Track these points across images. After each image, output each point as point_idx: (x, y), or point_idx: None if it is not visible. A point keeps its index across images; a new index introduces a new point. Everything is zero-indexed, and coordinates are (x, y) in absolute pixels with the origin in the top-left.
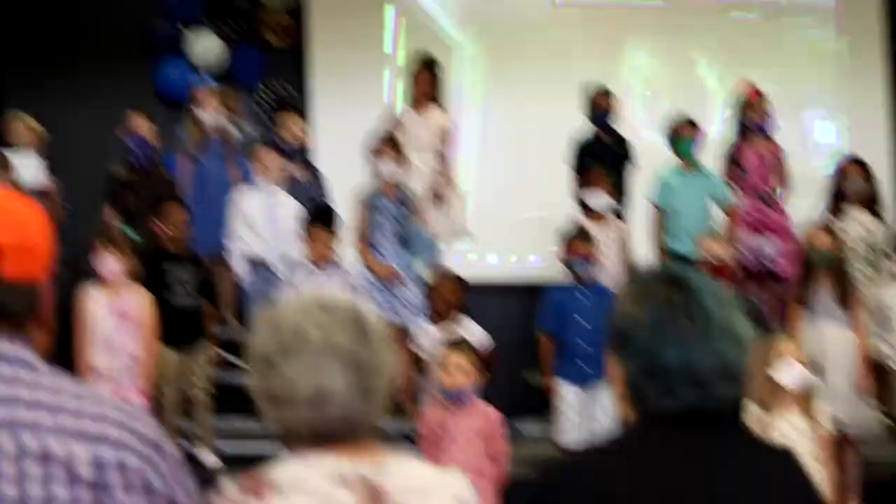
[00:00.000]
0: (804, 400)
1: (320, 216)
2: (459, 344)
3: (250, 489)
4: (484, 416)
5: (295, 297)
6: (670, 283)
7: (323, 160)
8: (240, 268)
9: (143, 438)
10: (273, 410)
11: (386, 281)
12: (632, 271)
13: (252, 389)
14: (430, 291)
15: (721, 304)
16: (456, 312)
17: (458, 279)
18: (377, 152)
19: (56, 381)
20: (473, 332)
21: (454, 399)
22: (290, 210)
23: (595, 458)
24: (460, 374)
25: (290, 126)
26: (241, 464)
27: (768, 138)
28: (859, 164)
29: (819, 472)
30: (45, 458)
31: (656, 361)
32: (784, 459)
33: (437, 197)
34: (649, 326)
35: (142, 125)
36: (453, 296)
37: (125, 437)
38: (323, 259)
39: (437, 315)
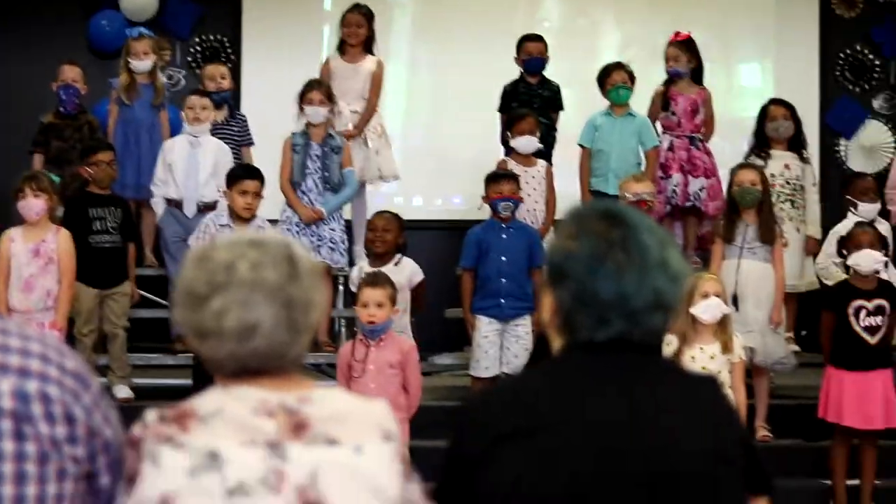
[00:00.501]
0: (720, 331)
1: (243, 171)
2: (376, 279)
3: (173, 419)
4: (398, 347)
5: (227, 235)
6: (608, 218)
7: (254, 110)
8: (160, 211)
9: (65, 370)
10: (200, 343)
11: (310, 222)
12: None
13: (180, 323)
14: (369, 230)
15: (658, 240)
16: (394, 251)
17: (396, 217)
18: (305, 96)
19: None
20: (408, 268)
21: (371, 334)
22: (210, 157)
23: (520, 384)
24: (377, 309)
25: (213, 74)
26: (155, 398)
27: (695, 81)
28: (783, 105)
29: (730, 397)
30: None
31: (591, 293)
32: (707, 385)
33: (364, 140)
34: (585, 259)
35: (71, 72)
36: (390, 234)
37: (48, 369)
38: (248, 210)
39: (376, 253)
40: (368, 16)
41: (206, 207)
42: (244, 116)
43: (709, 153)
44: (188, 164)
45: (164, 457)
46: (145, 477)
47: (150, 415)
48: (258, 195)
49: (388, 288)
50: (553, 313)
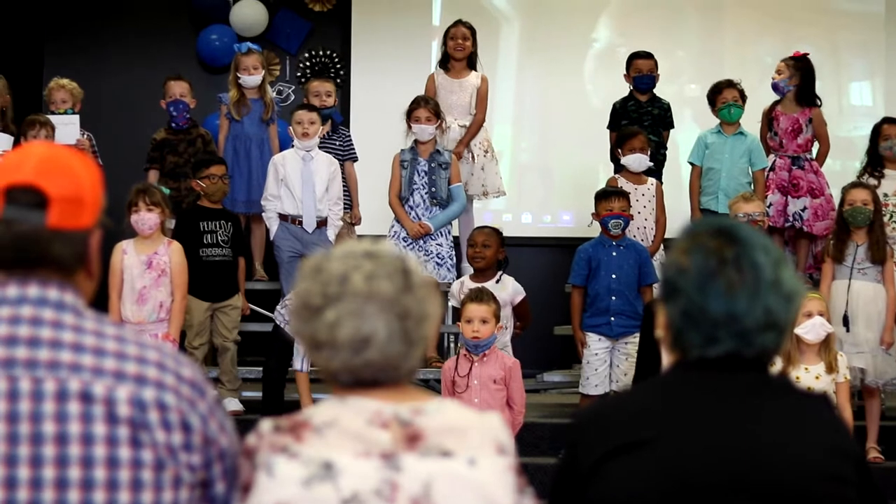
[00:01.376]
0: (825, 351)
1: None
2: (481, 295)
3: (287, 429)
4: (501, 363)
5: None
6: (722, 235)
7: (363, 125)
8: (273, 226)
9: (181, 378)
10: (316, 354)
11: (417, 237)
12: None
13: (296, 334)
14: (469, 245)
15: (772, 259)
16: (495, 266)
17: (496, 232)
18: (413, 114)
19: (99, 325)
20: (510, 286)
21: (475, 349)
22: (324, 171)
23: (632, 400)
24: (481, 325)
25: (318, 90)
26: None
27: (800, 100)
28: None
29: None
30: (86, 397)
31: (701, 310)
32: (819, 403)
33: (471, 156)
34: (696, 276)
35: (178, 87)
36: (490, 249)
37: (165, 377)
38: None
39: (477, 268)
40: (472, 31)
41: (320, 223)
42: (348, 132)
43: (816, 172)
44: (303, 180)
45: (278, 467)
46: (259, 486)
47: (265, 425)
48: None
49: (493, 304)
50: (665, 329)
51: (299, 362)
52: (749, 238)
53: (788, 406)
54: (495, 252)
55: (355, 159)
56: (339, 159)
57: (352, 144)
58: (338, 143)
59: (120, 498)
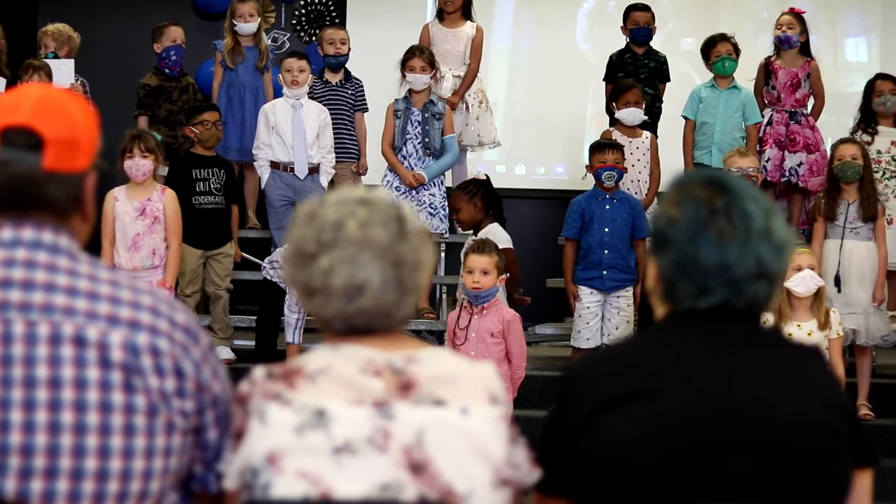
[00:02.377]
0: (816, 307)
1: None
2: (483, 246)
3: (280, 376)
4: (500, 316)
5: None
6: (712, 185)
7: (357, 74)
8: (264, 174)
9: (175, 324)
10: (309, 302)
11: (412, 187)
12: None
13: (289, 281)
14: (456, 197)
15: (762, 209)
16: (482, 220)
17: (466, 191)
18: (407, 63)
19: (94, 269)
20: (498, 236)
21: (475, 300)
22: (314, 119)
23: (623, 351)
24: (482, 276)
25: (332, 37)
26: (256, 360)
27: (801, 55)
28: (890, 79)
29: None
30: (79, 341)
31: (692, 261)
32: (811, 356)
33: (465, 106)
34: (688, 227)
35: (176, 32)
36: (468, 211)
37: (158, 322)
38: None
39: (463, 220)
40: None
41: (311, 170)
42: (360, 81)
43: (812, 127)
44: (294, 127)
45: (271, 414)
46: (252, 433)
47: (258, 372)
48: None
49: (494, 255)
50: (656, 281)
51: (291, 334)
52: (739, 188)
53: (781, 358)
54: (470, 211)
55: (365, 110)
56: (349, 108)
57: (363, 95)
58: (349, 91)
59: (112, 443)
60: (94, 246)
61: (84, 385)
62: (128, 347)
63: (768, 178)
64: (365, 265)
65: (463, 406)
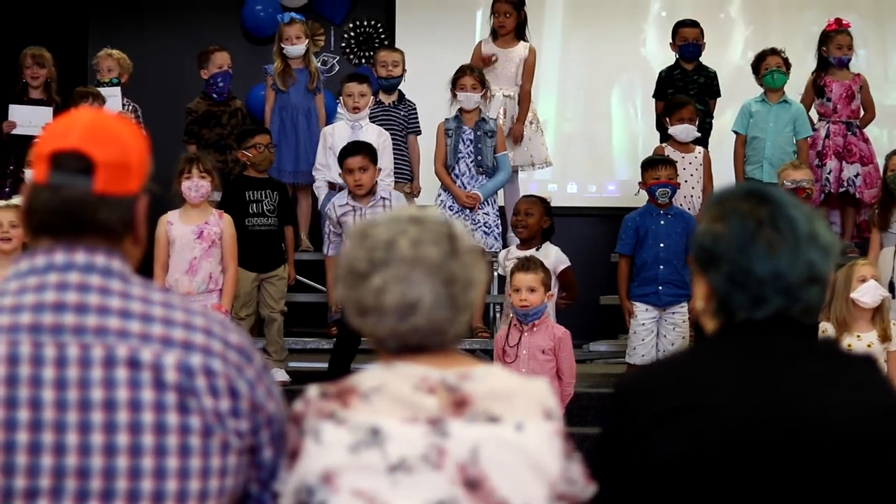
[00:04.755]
0: (878, 318)
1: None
2: (528, 264)
3: (334, 395)
4: (550, 333)
5: (388, 212)
6: (753, 197)
7: (407, 95)
8: (321, 194)
9: (229, 345)
10: (362, 321)
11: (464, 207)
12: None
13: (341, 300)
14: (513, 214)
15: (804, 214)
16: (540, 236)
17: (540, 201)
18: (458, 82)
19: (146, 291)
20: (552, 255)
21: (524, 318)
22: (373, 140)
23: (677, 364)
24: (529, 293)
25: (385, 59)
26: (311, 382)
27: (848, 69)
28: None
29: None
30: (134, 364)
31: (746, 273)
32: (864, 364)
33: (523, 128)
34: (737, 241)
35: (222, 58)
36: (533, 218)
37: (212, 343)
38: (359, 188)
39: (521, 238)
40: (517, 3)
41: None
42: (413, 104)
43: (866, 140)
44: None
45: (325, 433)
46: (307, 452)
47: (313, 391)
48: (364, 170)
49: (541, 272)
50: (707, 298)
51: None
52: (779, 196)
53: (835, 368)
54: (539, 221)
55: (418, 132)
56: (402, 130)
57: (416, 117)
58: (402, 113)
59: (168, 464)
60: (146, 272)
61: (139, 407)
62: (182, 368)
63: (830, 190)
64: (417, 283)
65: (517, 422)
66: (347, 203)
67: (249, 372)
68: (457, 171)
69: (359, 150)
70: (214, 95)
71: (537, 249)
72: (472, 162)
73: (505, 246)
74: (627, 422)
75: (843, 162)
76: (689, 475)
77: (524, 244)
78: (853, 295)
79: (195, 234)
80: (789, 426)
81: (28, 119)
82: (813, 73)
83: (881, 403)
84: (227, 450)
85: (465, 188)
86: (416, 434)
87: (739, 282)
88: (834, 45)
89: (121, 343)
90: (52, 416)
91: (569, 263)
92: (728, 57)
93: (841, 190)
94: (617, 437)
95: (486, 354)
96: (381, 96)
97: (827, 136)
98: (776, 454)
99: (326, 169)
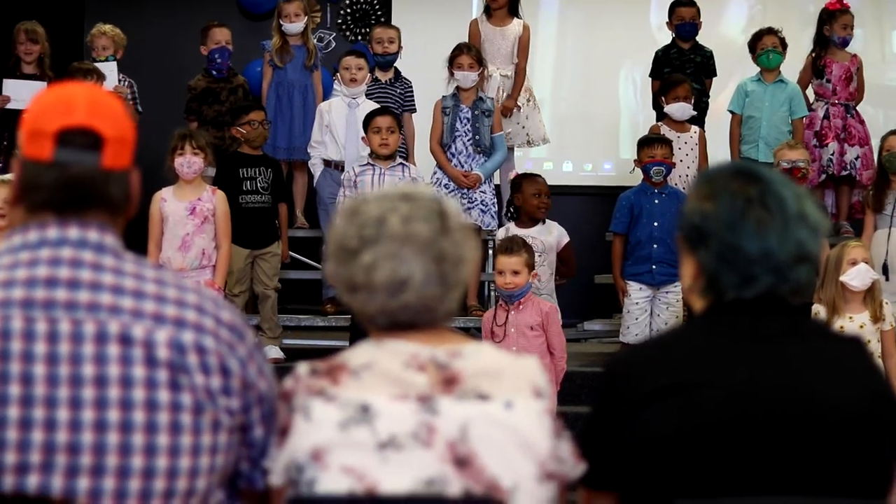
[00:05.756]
0: (870, 299)
1: (375, 111)
2: (512, 246)
3: (324, 373)
4: (537, 309)
5: (378, 189)
6: (742, 175)
7: (403, 72)
8: (317, 171)
9: (220, 322)
10: (352, 298)
11: (461, 185)
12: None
13: (331, 277)
14: (538, 197)
15: (793, 193)
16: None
17: (541, 181)
18: (455, 60)
19: (139, 267)
20: (555, 230)
21: (509, 299)
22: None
23: (667, 343)
24: (513, 276)
25: (381, 36)
26: (306, 359)
27: (846, 51)
28: None
29: (879, 365)
30: (125, 340)
31: (736, 252)
32: (852, 345)
33: (516, 105)
34: (726, 218)
35: (221, 34)
36: (535, 198)
37: (204, 320)
38: (384, 147)
39: (523, 217)
40: None
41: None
42: (409, 82)
43: (862, 121)
44: (348, 126)
45: (315, 410)
46: (296, 430)
47: (302, 368)
48: (391, 130)
49: (524, 254)
50: (695, 277)
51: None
52: (768, 175)
53: (823, 349)
54: (547, 203)
55: (413, 110)
56: (398, 107)
57: (412, 95)
58: (398, 90)
59: (159, 440)
60: (140, 248)
61: (130, 383)
62: (173, 345)
63: (833, 172)
64: (408, 260)
65: (507, 400)
66: (368, 162)
67: (241, 349)
68: (453, 150)
69: (388, 111)
70: (214, 72)
71: (543, 223)
72: (469, 141)
73: (500, 224)
74: (617, 401)
75: (845, 144)
76: (678, 453)
77: (527, 222)
78: (843, 278)
79: (188, 211)
80: (776, 405)
81: (22, 94)
82: (812, 53)
83: (867, 384)
84: (218, 427)
85: (462, 167)
86: (406, 411)
87: (729, 260)
88: (839, 24)
89: (112, 319)
90: (44, 391)
91: (569, 239)
92: (725, 35)
93: (843, 173)
94: (607, 415)
95: (481, 333)
96: (378, 73)
97: (826, 117)
98: (763, 433)
99: (322, 146)
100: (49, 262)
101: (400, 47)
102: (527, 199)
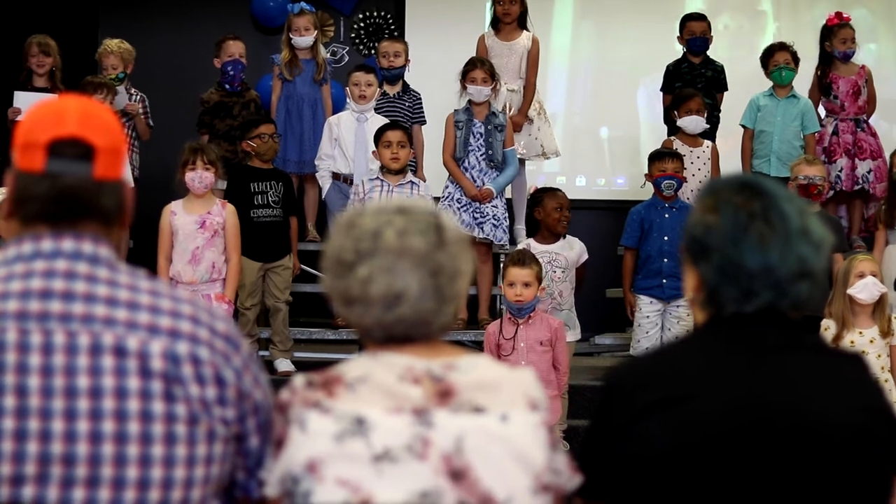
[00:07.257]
0: (879, 314)
1: (385, 125)
2: (524, 258)
3: (320, 385)
4: (546, 324)
5: (375, 203)
6: (746, 189)
7: (415, 86)
8: (325, 185)
9: (216, 333)
10: (348, 311)
11: (476, 200)
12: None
13: (328, 290)
14: (560, 211)
15: (797, 208)
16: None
17: (562, 196)
18: (468, 75)
19: (133, 279)
20: (577, 245)
21: (518, 313)
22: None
23: (666, 355)
24: (524, 288)
25: (387, 50)
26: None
27: (852, 63)
28: None
29: (888, 381)
30: (120, 351)
31: (737, 266)
32: (852, 362)
33: (527, 119)
34: (728, 233)
35: (235, 47)
36: (556, 212)
37: (199, 331)
38: (395, 161)
39: (543, 231)
40: None
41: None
42: (418, 94)
43: (874, 134)
44: (357, 140)
45: (311, 422)
46: (292, 441)
47: (298, 380)
48: (402, 145)
49: (535, 267)
50: (696, 289)
51: None
52: (773, 190)
53: (821, 364)
54: (561, 216)
55: (423, 122)
56: (406, 121)
57: (421, 107)
58: (407, 103)
59: (153, 451)
60: (150, 261)
61: (125, 394)
62: (168, 356)
63: (843, 189)
64: (403, 274)
65: (502, 413)
66: (378, 178)
67: (236, 360)
68: (466, 164)
69: (398, 126)
70: (227, 86)
71: (564, 238)
72: (482, 156)
73: (511, 239)
74: (614, 413)
75: (856, 159)
76: (675, 467)
77: (546, 237)
78: (850, 291)
79: (198, 224)
80: (773, 420)
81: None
82: (817, 70)
83: (865, 400)
84: (214, 438)
85: (475, 182)
86: (401, 424)
87: (729, 274)
88: (838, 39)
89: (107, 331)
90: (38, 403)
91: (588, 256)
92: (736, 50)
93: (856, 188)
94: (604, 428)
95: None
96: (386, 87)
97: (835, 133)
98: (759, 447)
99: (331, 160)
100: (43, 274)
101: (407, 60)
102: (548, 213)
